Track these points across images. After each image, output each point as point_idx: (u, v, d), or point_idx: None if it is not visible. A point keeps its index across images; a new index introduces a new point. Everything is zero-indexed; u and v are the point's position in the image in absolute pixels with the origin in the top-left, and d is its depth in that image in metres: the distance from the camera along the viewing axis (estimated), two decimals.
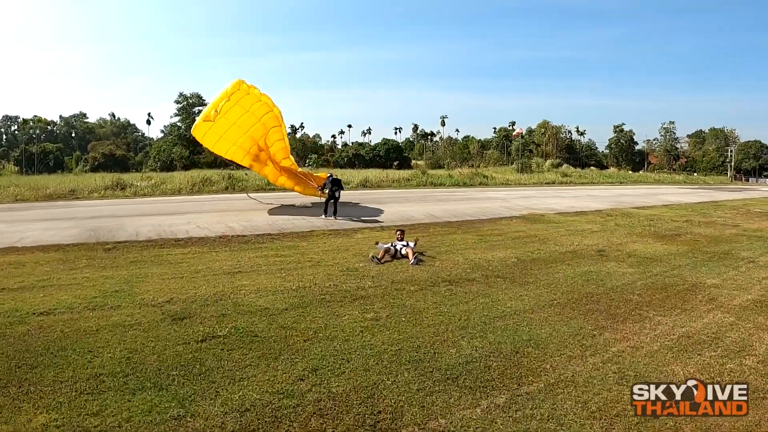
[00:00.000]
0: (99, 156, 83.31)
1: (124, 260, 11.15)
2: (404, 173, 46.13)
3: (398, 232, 12.26)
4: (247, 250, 12.51)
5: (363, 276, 9.86)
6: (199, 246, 12.88)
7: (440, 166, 79.85)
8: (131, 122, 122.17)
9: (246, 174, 32.17)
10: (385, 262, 11.13)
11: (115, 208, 21.04)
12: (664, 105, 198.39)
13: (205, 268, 10.43)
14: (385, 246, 11.60)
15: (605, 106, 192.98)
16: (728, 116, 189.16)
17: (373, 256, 11.28)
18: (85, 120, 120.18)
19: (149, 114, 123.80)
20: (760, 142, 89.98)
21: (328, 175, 19.09)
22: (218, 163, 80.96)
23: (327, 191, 18.18)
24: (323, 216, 17.85)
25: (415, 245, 11.75)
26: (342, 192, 18.94)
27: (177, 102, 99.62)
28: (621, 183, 52.16)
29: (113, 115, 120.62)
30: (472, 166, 65.15)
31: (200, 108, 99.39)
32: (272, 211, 19.85)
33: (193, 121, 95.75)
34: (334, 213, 18.06)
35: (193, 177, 33.70)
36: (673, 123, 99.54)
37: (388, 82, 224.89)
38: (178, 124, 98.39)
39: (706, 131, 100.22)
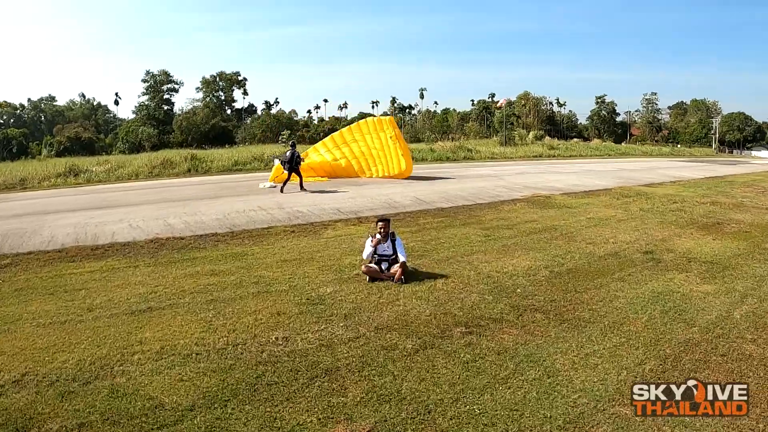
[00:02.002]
0: (64, 140, 77.35)
1: (9, 288, 7.65)
2: None
3: (380, 225, 8.16)
4: (176, 262, 8.99)
5: (331, 316, 6.30)
6: (118, 257, 9.42)
7: (419, 140, 76.11)
8: (102, 103, 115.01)
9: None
10: (373, 279, 7.70)
11: (53, 201, 17.12)
12: (644, 77, 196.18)
13: (105, 302, 6.96)
14: (370, 249, 8.03)
15: (586, 78, 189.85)
16: (709, 88, 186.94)
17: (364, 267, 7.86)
18: (54, 103, 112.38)
19: (116, 94, 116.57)
20: (744, 114, 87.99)
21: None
22: (189, 142, 77.52)
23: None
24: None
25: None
26: None
27: (144, 80, 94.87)
28: (609, 156, 49.30)
29: (83, 96, 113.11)
30: (452, 139, 61.59)
31: (169, 86, 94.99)
32: (242, 198, 16.27)
33: (162, 99, 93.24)
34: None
35: (152, 160, 30.12)
36: (655, 94, 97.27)
37: (365, 56, 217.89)
38: (146, 102, 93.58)
39: (688, 103, 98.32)
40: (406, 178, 21.86)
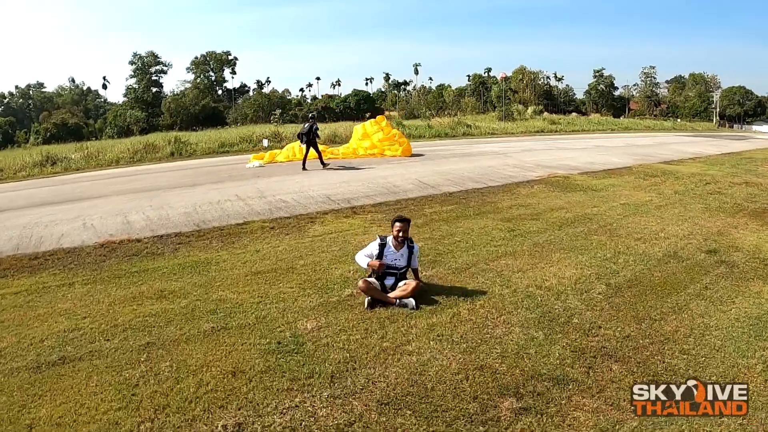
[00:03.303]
0: (51, 127, 73.55)
1: None
2: None
3: (398, 226, 5.93)
4: (121, 277, 6.85)
5: (311, 377, 4.16)
6: (56, 269, 7.32)
7: (415, 116, 73.30)
8: (93, 88, 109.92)
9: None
10: (374, 301, 5.54)
11: (19, 194, 14.70)
12: (642, 51, 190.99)
13: (12, 345, 5.02)
14: (368, 260, 5.90)
15: (582, 53, 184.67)
16: (708, 62, 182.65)
17: (364, 285, 5.69)
18: (43, 90, 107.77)
19: (104, 78, 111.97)
20: (745, 88, 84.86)
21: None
22: (179, 124, 74.46)
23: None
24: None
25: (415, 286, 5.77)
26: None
27: (132, 63, 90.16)
28: (613, 130, 46.86)
29: (73, 81, 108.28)
30: (449, 115, 58.99)
31: (157, 68, 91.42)
32: (220, 185, 14.15)
33: (150, 81, 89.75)
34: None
35: (134, 144, 27.73)
36: (654, 68, 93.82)
37: (358, 32, 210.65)
38: (134, 85, 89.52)
39: (686, 77, 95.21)
40: (406, 157, 19.79)
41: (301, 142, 17.01)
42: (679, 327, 5.16)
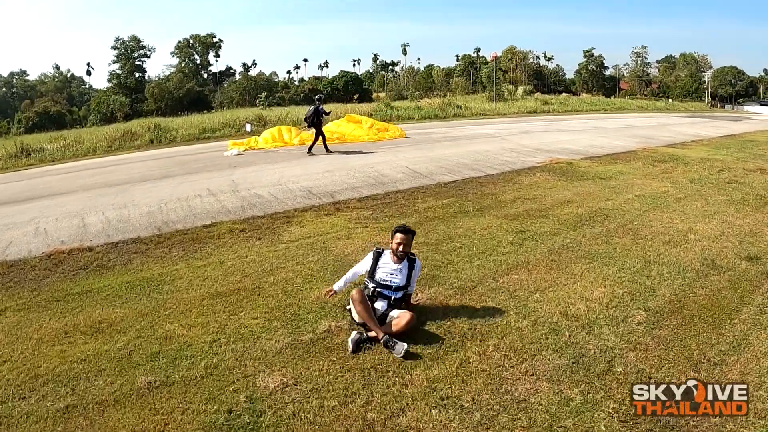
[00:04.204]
0: (33, 115, 70.54)
1: None
2: (365, 107, 38.24)
3: (398, 239, 4.74)
4: (58, 301, 5.63)
5: None
6: None
7: (404, 98, 71.42)
8: (77, 75, 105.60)
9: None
10: (361, 341, 4.24)
11: None
12: (632, 31, 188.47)
13: None
14: (367, 267, 4.81)
15: (572, 33, 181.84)
16: (698, 42, 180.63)
17: (352, 324, 4.54)
18: (26, 78, 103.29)
19: (88, 64, 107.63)
20: (736, 68, 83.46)
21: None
22: (163, 110, 72.11)
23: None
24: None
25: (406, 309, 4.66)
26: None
27: (114, 48, 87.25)
28: (606, 111, 45.54)
29: (57, 68, 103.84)
30: (438, 95, 57.33)
31: (141, 52, 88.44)
32: (193, 177, 12.93)
33: (133, 66, 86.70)
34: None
35: (111, 132, 26.12)
36: (645, 48, 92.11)
37: (346, 12, 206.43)
38: (117, 71, 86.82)
39: (677, 57, 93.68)
40: (395, 140, 18.53)
41: (307, 126, 16.13)
42: (745, 373, 3.99)
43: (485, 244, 6.85)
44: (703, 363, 4.10)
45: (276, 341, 4.39)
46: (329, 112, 18.01)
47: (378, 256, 4.78)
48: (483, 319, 4.69)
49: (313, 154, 15.41)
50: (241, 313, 4.99)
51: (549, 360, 4.04)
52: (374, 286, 4.68)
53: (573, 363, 4.01)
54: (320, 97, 17.16)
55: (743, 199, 9.85)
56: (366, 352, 4.14)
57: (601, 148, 16.90)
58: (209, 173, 12.91)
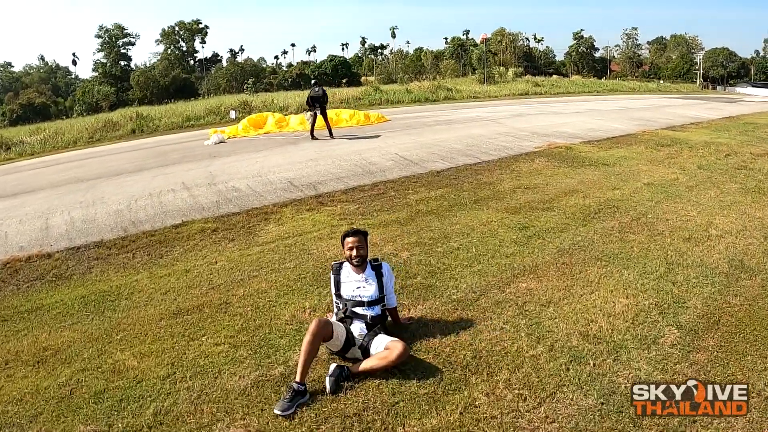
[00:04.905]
0: (17, 107, 68.19)
1: None
2: (354, 91, 37.29)
3: (349, 242, 4.00)
4: (4, 322, 4.74)
5: None
6: None
7: (393, 81, 70.12)
8: (62, 65, 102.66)
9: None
10: (342, 377, 3.44)
11: None
12: (621, 11, 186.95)
13: None
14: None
15: (562, 14, 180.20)
16: (690, 23, 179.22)
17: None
18: (11, 69, 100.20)
19: (74, 54, 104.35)
20: (728, 50, 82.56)
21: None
22: (149, 98, 70.29)
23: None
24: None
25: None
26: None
27: (98, 36, 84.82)
28: (598, 92, 44.68)
29: (42, 59, 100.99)
30: (428, 78, 56.28)
31: (125, 41, 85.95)
32: (168, 169, 12.17)
33: (118, 54, 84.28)
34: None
35: (93, 123, 25.51)
36: (636, 29, 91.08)
37: None
38: (102, 60, 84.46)
39: (667, 38, 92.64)
40: (382, 125, 17.73)
41: (311, 108, 15.33)
42: None
43: (486, 244, 6.07)
44: (754, 397, 3.39)
45: (240, 377, 3.59)
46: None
47: (337, 270, 4.04)
48: (489, 343, 3.92)
49: (316, 138, 14.96)
50: (203, 338, 4.18)
51: (572, 400, 3.27)
52: (344, 305, 3.92)
53: (602, 403, 3.25)
54: (317, 81, 16.76)
55: (758, 188, 9.14)
56: (348, 393, 3.36)
57: (599, 131, 16.14)
58: (187, 164, 12.01)
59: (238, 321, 4.41)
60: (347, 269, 4.02)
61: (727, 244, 6.20)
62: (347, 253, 3.99)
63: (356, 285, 3.95)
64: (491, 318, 4.30)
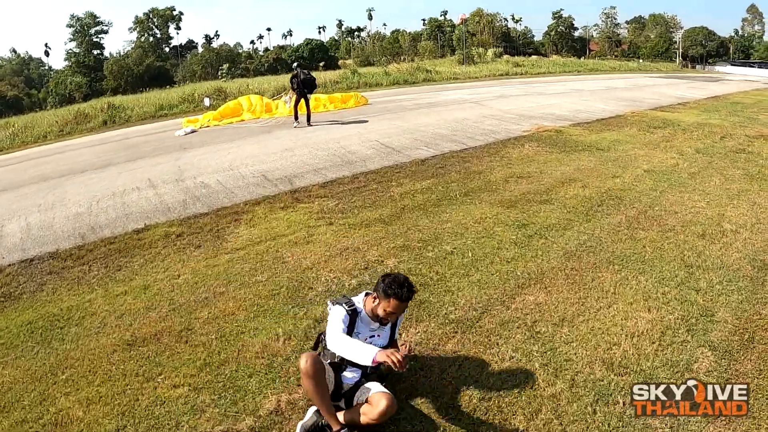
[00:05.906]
0: None
1: None
2: (331, 74, 36.15)
3: (392, 304, 3.02)
4: None
5: None
6: None
7: (371, 64, 68.85)
8: (35, 56, 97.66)
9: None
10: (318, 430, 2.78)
11: None
12: None
13: None
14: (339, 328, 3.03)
15: None
16: (668, 2, 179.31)
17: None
18: None
19: (46, 44, 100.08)
20: (707, 29, 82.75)
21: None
22: (123, 87, 67.73)
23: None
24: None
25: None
26: None
27: (70, 26, 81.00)
28: (579, 72, 44.21)
29: (14, 51, 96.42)
30: (406, 60, 55.27)
31: (97, 29, 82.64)
32: (136, 164, 11.43)
33: (91, 43, 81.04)
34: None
35: (64, 115, 24.19)
36: (614, 8, 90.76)
37: None
38: (75, 50, 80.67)
39: (646, 17, 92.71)
40: (360, 109, 16.96)
41: (300, 92, 14.15)
42: None
43: (482, 247, 5.42)
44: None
45: None
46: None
47: (354, 317, 3.12)
48: (498, 378, 3.28)
49: (310, 125, 14.12)
50: (160, 377, 3.47)
51: None
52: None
53: None
54: (299, 64, 15.95)
55: (761, 174, 8.67)
56: None
57: (587, 112, 15.59)
58: (156, 158, 11.11)
59: (201, 354, 3.71)
60: (365, 317, 3.17)
61: (745, 240, 5.67)
62: (382, 311, 3.08)
63: (370, 334, 3.16)
64: (498, 344, 3.67)
